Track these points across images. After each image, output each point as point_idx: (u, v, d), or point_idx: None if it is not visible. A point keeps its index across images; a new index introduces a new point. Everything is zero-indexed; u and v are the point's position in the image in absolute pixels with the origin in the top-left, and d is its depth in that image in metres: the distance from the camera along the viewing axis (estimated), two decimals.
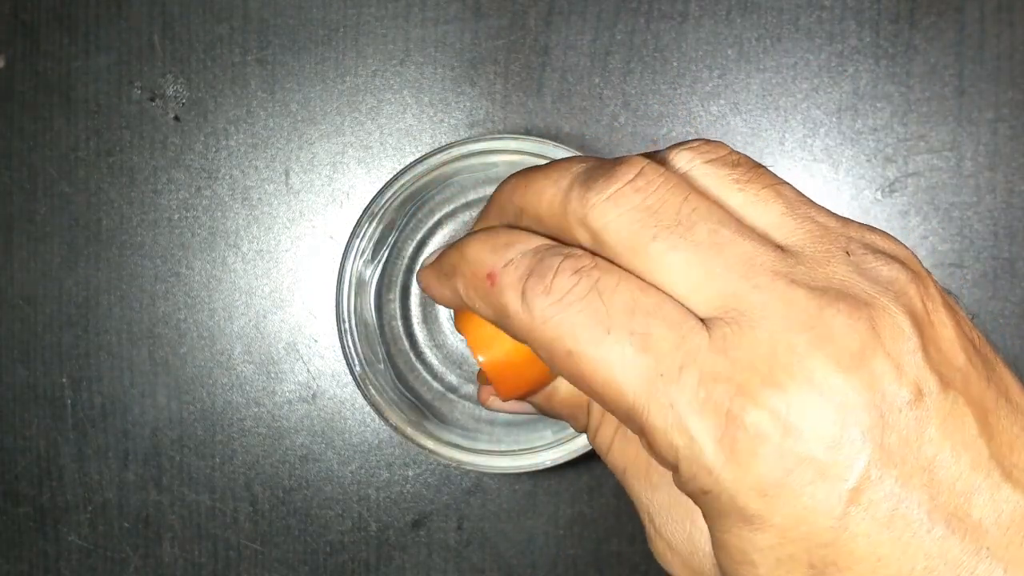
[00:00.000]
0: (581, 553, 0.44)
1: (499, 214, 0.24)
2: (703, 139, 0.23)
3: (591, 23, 0.43)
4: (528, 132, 0.43)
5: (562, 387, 0.25)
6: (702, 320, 0.20)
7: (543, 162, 0.36)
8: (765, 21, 0.43)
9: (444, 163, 0.36)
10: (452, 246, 0.24)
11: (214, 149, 0.44)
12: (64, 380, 0.45)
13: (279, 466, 0.45)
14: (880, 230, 0.22)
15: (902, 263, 0.21)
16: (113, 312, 0.45)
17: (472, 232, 0.24)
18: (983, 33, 0.43)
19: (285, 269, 0.45)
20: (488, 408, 0.27)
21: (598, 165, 0.22)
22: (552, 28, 0.43)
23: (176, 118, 0.44)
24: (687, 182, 0.21)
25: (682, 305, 0.20)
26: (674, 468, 0.20)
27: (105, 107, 0.44)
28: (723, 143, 0.22)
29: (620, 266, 0.21)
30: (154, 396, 0.45)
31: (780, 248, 0.21)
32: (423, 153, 0.38)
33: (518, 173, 0.24)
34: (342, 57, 0.44)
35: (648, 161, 0.21)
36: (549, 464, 0.37)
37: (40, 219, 0.45)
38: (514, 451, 0.37)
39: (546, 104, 0.43)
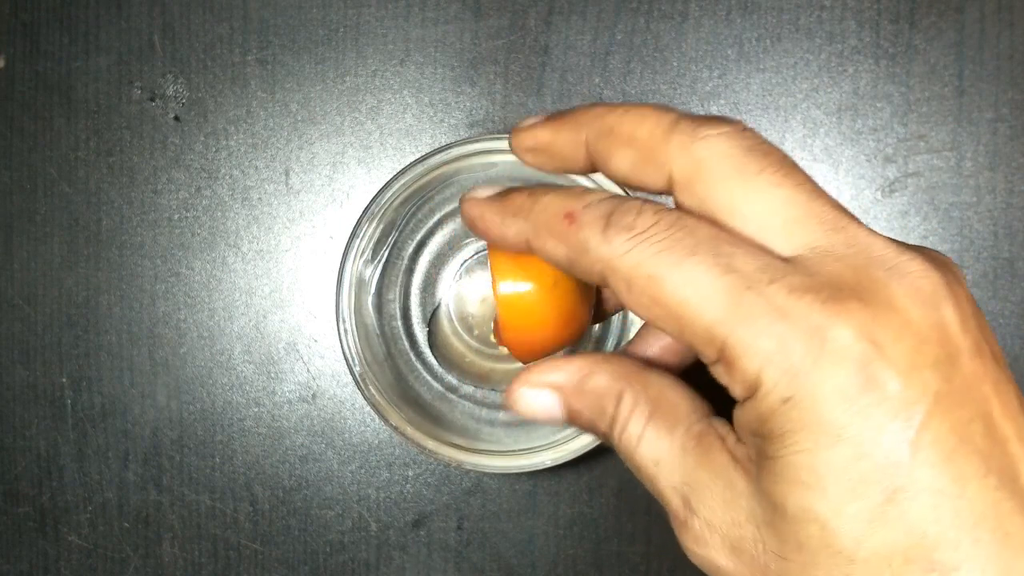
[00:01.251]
0: (581, 553, 0.44)
1: (573, 127, 0.25)
2: (731, 122, 0.24)
3: (591, 23, 0.43)
4: None
5: (598, 375, 0.25)
6: (786, 259, 0.21)
7: None
8: (765, 21, 0.43)
9: (444, 163, 0.36)
10: (515, 189, 0.24)
11: (214, 149, 0.44)
12: (64, 380, 0.45)
13: (279, 466, 0.45)
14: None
15: (960, 271, 0.23)
16: (113, 312, 0.45)
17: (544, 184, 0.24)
18: (983, 33, 0.43)
19: (285, 269, 0.45)
20: (514, 409, 0.26)
21: (685, 114, 0.23)
22: (552, 28, 0.43)
23: (176, 118, 0.44)
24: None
25: (767, 239, 0.22)
26: (755, 384, 0.21)
27: (105, 107, 0.44)
28: (751, 129, 0.24)
29: (703, 214, 0.22)
30: (154, 396, 0.45)
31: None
32: (423, 153, 0.38)
33: (599, 104, 0.25)
34: (342, 57, 0.44)
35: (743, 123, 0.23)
36: (549, 464, 0.37)
37: (40, 219, 0.45)
38: (514, 451, 0.37)
39: (546, 104, 0.43)
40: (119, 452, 0.45)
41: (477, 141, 0.36)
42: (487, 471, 0.37)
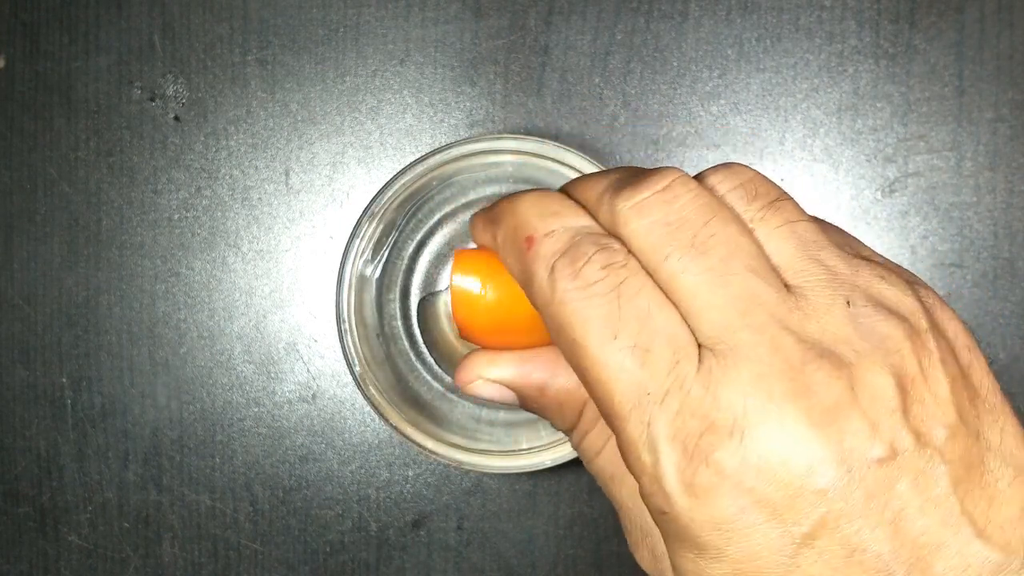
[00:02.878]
0: (581, 553, 0.44)
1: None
2: (726, 164, 0.23)
3: (591, 23, 0.43)
4: (528, 132, 0.43)
5: (561, 379, 0.25)
6: (700, 345, 0.21)
7: (552, 166, 0.36)
8: (765, 21, 0.43)
9: (444, 163, 0.36)
10: (508, 198, 0.24)
11: (214, 149, 0.44)
12: (64, 380, 0.45)
13: (279, 466, 0.45)
14: (896, 272, 0.22)
15: (902, 318, 0.21)
16: (113, 312, 0.45)
17: (529, 190, 0.24)
18: (983, 33, 0.43)
19: (285, 269, 0.44)
20: (467, 390, 0.26)
21: (635, 172, 0.23)
22: (552, 28, 0.43)
23: (176, 118, 0.44)
24: (717, 203, 0.22)
25: (687, 326, 0.21)
26: (638, 480, 0.21)
27: (105, 107, 0.44)
28: (745, 168, 0.23)
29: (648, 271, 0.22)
30: (154, 396, 0.45)
31: (787, 288, 0.21)
32: (423, 153, 0.38)
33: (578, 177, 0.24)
34: (342, 57, 0.44)
35: (681, 174, 0.22)
36: (549, 464, 0.37)
37: (40, 219, 0.45)
38: (514, 451, 0.37)
39: (546, 104, 0.43)
40: (119, 452, 0.45)
41: (477, 141, 0.36)
42: (487, 471, 0.37)
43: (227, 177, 0.44)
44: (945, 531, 0.20)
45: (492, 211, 0.25)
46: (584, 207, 0.23)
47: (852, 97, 0.43)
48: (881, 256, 0.23)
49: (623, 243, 0.22)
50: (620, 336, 0.21)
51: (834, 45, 0.43)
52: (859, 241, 0.24)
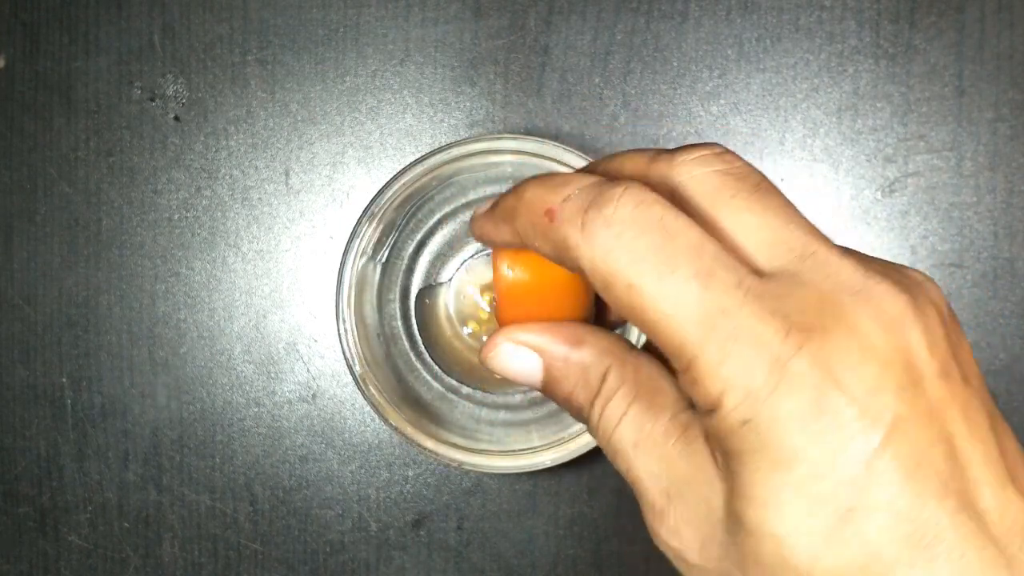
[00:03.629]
0: (581, 553, 0.44)
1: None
2: (710, 144, 0.24)
3: (591, 23, 0.43)
4: (528, 132, 0.43)
5: (587, 346, 0.25)
6: (759, 273, 0.22)
7: (552, 166, 0.36)
8: (765, 21, 0.43)
9: (444, 163, 0.36)
10: (506, 193, 0.24)
11: (214, 149, 0.44)
12: (64, 380, 0.45)
13: (279, 466, 0.45)
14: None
15: (901, 274, 0.23)
16: (113, 312, 0.45)
17: (528, 177, 0.24)
18: (983, 33, 0.43)
19: (285, 269, 0.45)
20: (490, 365, 0.26)
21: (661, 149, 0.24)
22: (552, 28, 0.43)
23: (176, 118, 0.44)
24: (755, 171, 0.23)
25: (741, 255, 0.22)
26: (716, 403, 0.21)
27: (105, 107, 0.44)
28: (729, 152, 0.24)
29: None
30: (154, 396, 0.45)
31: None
32: (423, 153, 0.38)
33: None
34: (342, 57, 0.44)
35: (722, 148, 0.23)
36: (549, 464, 0.37)
37: (40, 219, 0.45)
38: (514, 451, 0.37)
39: (546, 104, 0.43)
40: (119, 452, 0.45)
41: (477, 141, 0.36)
42: (487, 471, 0.37)
43: (227, 177, 0.44)
44: (986, 470, 0.21)
45: (499, 208, 0.25)
46: (618, 171, 0.24)
47: (852, 97, 0.43)
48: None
49: (672, 186, 0.23)
50: (679, 268, 0.21)
51: (834, 45, 0.43)
52: None
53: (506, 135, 0.37)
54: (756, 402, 0.20)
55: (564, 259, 0.23)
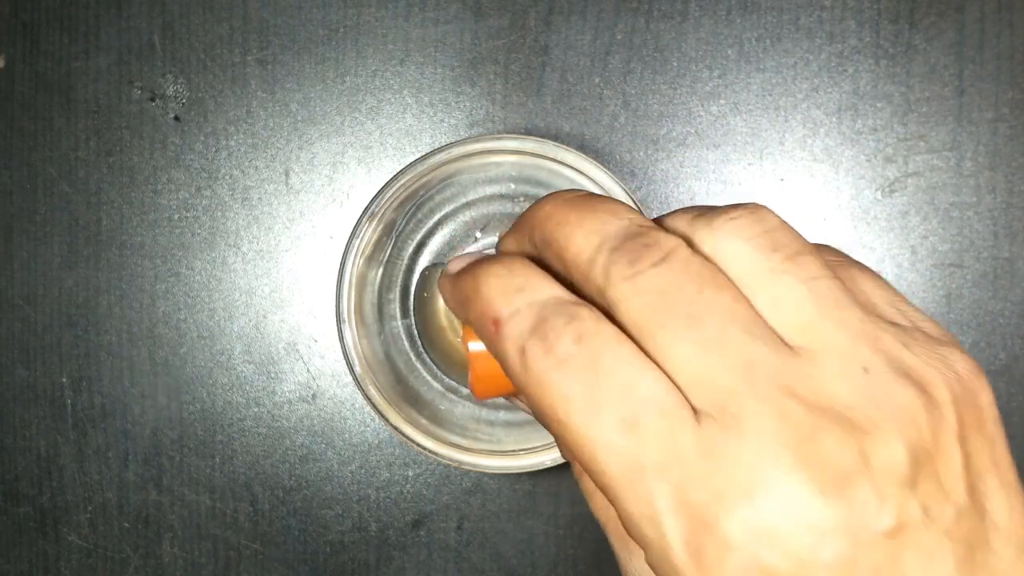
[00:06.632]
0: (581, 553, 0.44)
1: (527, 235, 0.24)
2: (750, 207, 0.22)
3: (591, 23, 0.43)
4: (528, 132, 0.43)
5: None
6: (696, 411, 0.20)
7: (552, 166, 0.36)
8: (765, 21, 0.43)
9: (444, 163, 0.36)
10: (471, 268, 0.23)
11: (214, 149, 0.44)
12: (64, 380, 0.45)
13: (279, 466, 0.45)
14: (927, 335, 0.22)
15: (922, 388, 0.20)
16: (113, 312, 0.45)
17: (492, 258, 0.23)
18: (983, 33, 0.43)
19: (285, 269, 0.45)
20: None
21: (631, 233, 0.22)
22: (552, 28, 0.43)
23: (176, 118, 0.44)
24: (711, 267, 0.21)
25: (679, 392, 0.20)
26: (644, 551, 0.20)
27: (105, 107, 0.44)
28: (771, 213, 0.22)
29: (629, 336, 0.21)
30: (154, 396, 0.45)
31: (798, 350, 0.20)
32: (423, 153, 0.38)
33: (558, 198, 0.23)
34: (342, 57, 0.44)
35: (679, 243, 0.21)
36: (549, 464, 0.37)
37: (40, 219, 0.45)
38: (514, 451, 0.37)
39: (546, 104, 0.43)
40: (119, 452, 0.45)
41: (477, 141, 0.36)
42: (487, 471, 0.37)
43: (227, 177, 0.44)
44: None
45: (457, 288, 0.24)
46: (564, 266, 0.22)
47: (852, 97, 0.43)
48: (917, 311, 0.22)
49: (607, 306, 0.21)
50: (605, 411, 0.20)
51: (834, 45, 0.43)
52: (896, 293, 0.23)
53: (506, 135, 0.37)
54: (677, 571, 0.20)
55: (503, 367, 0.22)
